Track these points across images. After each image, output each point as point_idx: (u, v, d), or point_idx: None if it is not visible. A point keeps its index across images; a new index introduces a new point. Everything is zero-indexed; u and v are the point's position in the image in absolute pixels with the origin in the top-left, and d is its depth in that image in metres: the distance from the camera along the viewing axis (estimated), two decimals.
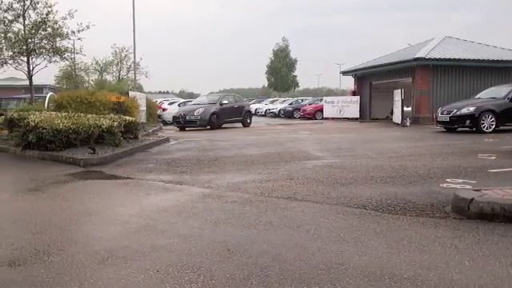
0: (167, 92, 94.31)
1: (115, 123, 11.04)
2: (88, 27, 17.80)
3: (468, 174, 6.88)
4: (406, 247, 3.68)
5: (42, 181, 7.28)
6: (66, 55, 18.44)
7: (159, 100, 33.87)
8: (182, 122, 20.93)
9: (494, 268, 3.22)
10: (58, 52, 17.65)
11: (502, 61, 22.30)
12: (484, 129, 14.70)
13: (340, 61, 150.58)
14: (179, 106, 28.44)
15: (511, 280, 3.02)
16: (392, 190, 5.79)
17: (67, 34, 17.61)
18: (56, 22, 17.33)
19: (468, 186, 5.71)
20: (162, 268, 3.33)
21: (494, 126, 14.75)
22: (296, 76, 67.55)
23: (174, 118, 21.77)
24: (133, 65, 34.87)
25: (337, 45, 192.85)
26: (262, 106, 43.28)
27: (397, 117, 21.44)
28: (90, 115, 11.59)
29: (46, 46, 17.35)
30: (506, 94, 15.35)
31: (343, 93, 53.72)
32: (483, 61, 22.15)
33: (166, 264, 3.41)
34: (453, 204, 4.76)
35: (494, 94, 16.05)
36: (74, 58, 26.68)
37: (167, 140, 14.15)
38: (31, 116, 10.56)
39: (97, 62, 40.03)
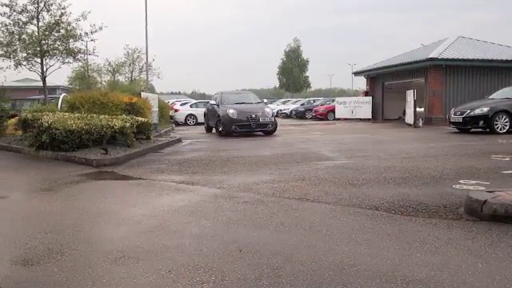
0: (179, 93, 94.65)
1: (127, 124, 11.11)
2: (101, 28, 18.02)
3: (481, 175, 6.80)
4: (419, 249, 3.65)
5: (55, 181, 7.36)
6: (78, 56, 18.67)
7: (171, 101, 34.03)
8: (254, 127, 16.19)
9: (507, 270, 3.18)
10: (71, 53, 17.87)
11: None
12: (498, 130, 14.52)
13: (347, 61, 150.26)
14: (191, 106, 28.58)
15: None
16: (404, 191, 5.75)
17: (80, 35, 17.83)
18: (69, 24, 17.55)
19: (481, 188, 5.64)
20: (173, 268, 3.34)
21: (508, 127, 14.56)
22: (308, 76, 67.42)
23: (234, 121, 16.19)
24: (145, 66, 35.15)
25: (342, 45, 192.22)
26: (274, 107, 43.07)
27: (409, 117, 21.28)
28: (102, 116, 11.65)
29: (60, 48, 17.56)
30: None
31: (355, 93, 53.51)
32: (497, 61, 21.91)
33: (178, 264, 3.42)
34: (466, 205, 4.71)
35: (508, 94, 15.81)
36: (87, 59, 26.98)
37: (179, 141, 14.21)
38: (45, 117, 10.66)
39: (109, 63, 40.37)
